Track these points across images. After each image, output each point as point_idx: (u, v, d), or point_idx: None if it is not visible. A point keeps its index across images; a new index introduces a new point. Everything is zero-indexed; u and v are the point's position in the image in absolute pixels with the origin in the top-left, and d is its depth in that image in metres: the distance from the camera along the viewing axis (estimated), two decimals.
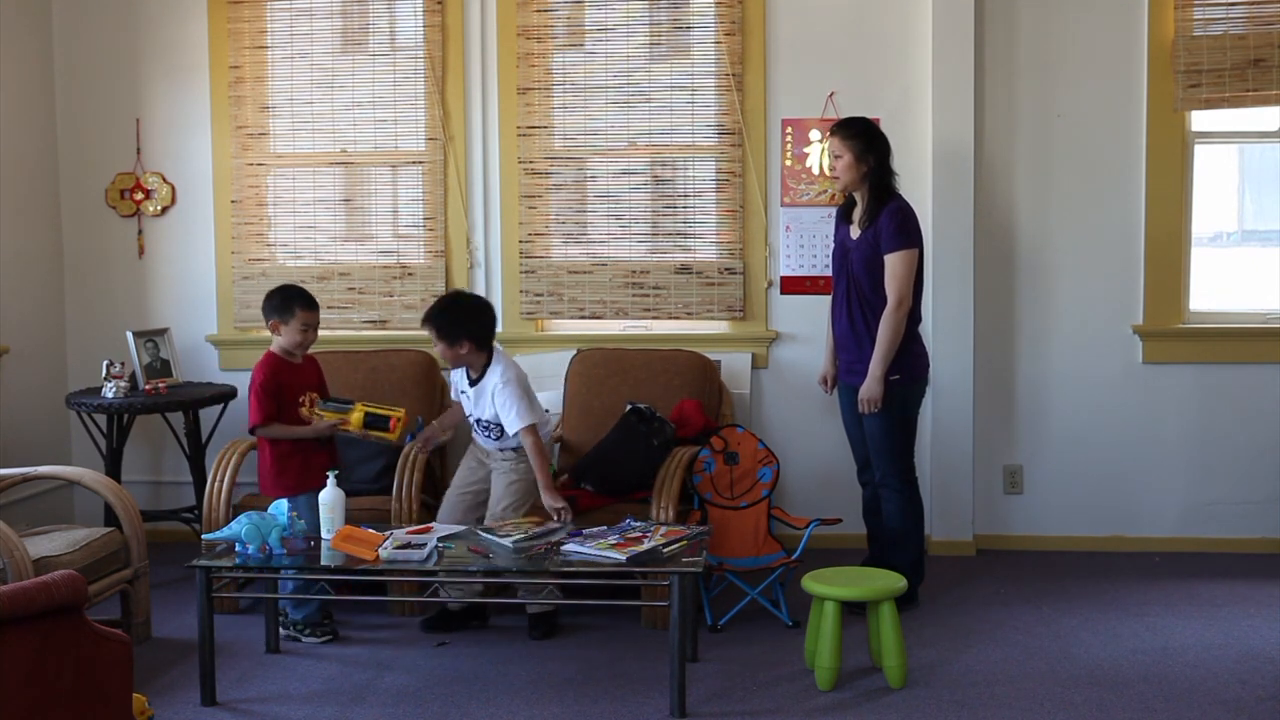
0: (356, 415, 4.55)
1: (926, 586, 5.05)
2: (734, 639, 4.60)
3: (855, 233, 4.85)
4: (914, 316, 4.82)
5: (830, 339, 5.11)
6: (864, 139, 4.81)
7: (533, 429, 4.56)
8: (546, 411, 4.81)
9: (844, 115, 5.49)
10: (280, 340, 4.59)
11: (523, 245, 5.87)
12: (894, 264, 4.72)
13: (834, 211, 5.21)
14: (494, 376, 4.61)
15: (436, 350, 4.73)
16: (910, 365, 4.83)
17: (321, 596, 4.59)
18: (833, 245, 5.06)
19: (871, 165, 4.79)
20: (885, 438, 4.85)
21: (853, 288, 4.85)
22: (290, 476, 4.56)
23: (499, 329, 5.78)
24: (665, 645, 4.04)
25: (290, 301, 4.57)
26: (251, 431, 4.59)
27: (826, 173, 5.66)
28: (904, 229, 4.75)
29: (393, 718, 3.93)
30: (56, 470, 4.86)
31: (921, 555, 4.98)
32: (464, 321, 4.61)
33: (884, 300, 4.74)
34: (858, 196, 4.88)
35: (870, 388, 4.75)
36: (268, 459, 4.60)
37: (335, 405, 4.60)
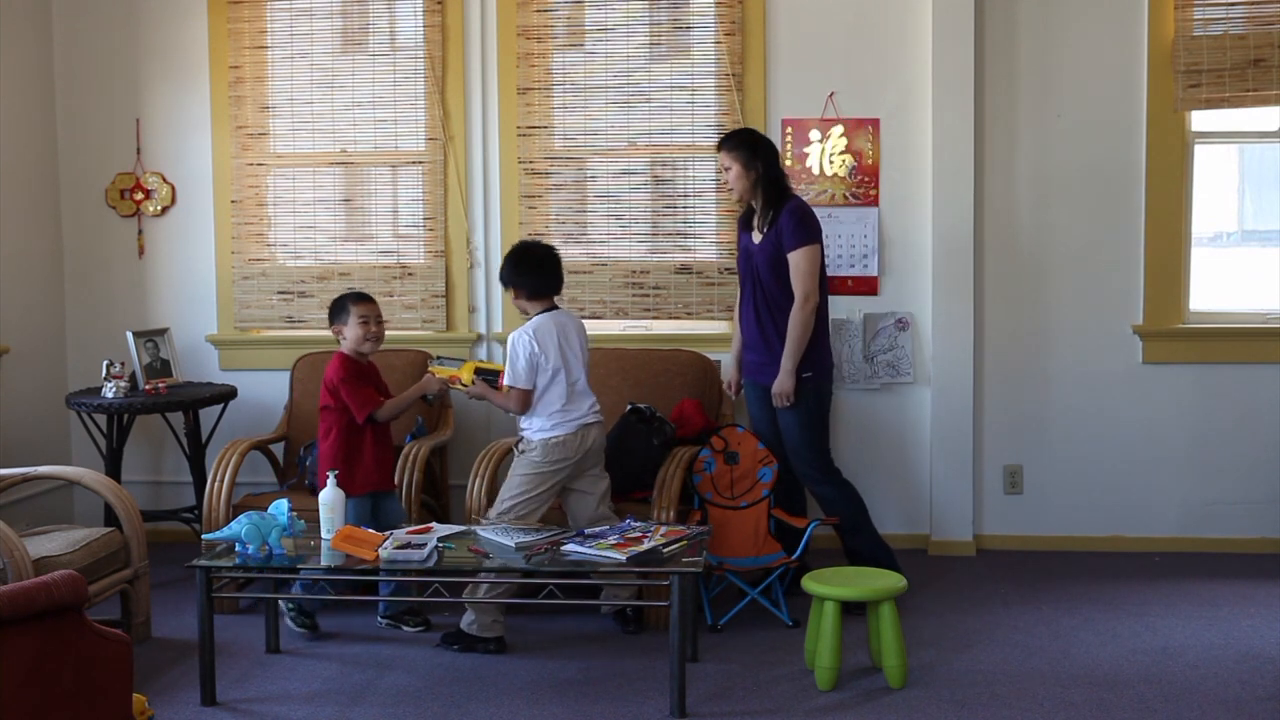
0: (467, 371, 4.66)
1: (926, 586, 5.05)
2: (734, 639, 4.60)
3: (757, 237, 4.94)
4: (820, 314, 4.90)
5: (736, 345, 5.17)
6: (747, 148, 4.91)
7: (514, 394, 4.53)
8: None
9: (844, 115, 5.59)
10: (347, 342, 4.69)
11: None
12: (797, 261, 4.81)
13: (831, 212, 5.43)
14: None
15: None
16: (819, 360, 4.92)
17: (328, 596, 4.59)
18: (737, 253, 5.14)
19: (760, 171, 4.88)
20: (802, 433, 4.93)
21: (758, 290, 4.93)
22: (368, 472, 4.68)
23: (499, 327, 5.85)
24: (665, 645, 4.04)
25: (342, 301, 4.74)
26: (367, 421, 4.63)
27: (826, 173, 5.67)
28: (803, 226, 4.84)
29: (393, 718, 3.93)
30: (56, 470, 4.86)
31: (876, 535, 5.00)
32: (516, 268, 4.62)
33: (791, 299, 4.83)
34: (754, 203, 4.96)
35: (782, 382, 4.84)
36: (347, 453, 4.63)
37: (448, 362, 4.77)
